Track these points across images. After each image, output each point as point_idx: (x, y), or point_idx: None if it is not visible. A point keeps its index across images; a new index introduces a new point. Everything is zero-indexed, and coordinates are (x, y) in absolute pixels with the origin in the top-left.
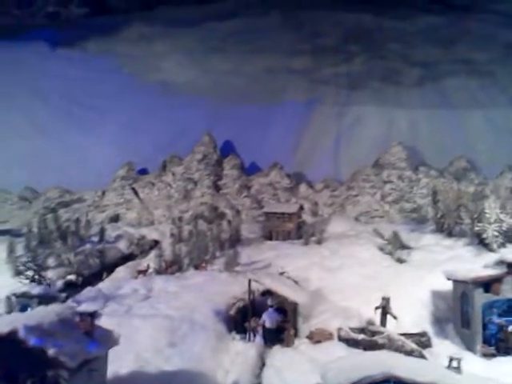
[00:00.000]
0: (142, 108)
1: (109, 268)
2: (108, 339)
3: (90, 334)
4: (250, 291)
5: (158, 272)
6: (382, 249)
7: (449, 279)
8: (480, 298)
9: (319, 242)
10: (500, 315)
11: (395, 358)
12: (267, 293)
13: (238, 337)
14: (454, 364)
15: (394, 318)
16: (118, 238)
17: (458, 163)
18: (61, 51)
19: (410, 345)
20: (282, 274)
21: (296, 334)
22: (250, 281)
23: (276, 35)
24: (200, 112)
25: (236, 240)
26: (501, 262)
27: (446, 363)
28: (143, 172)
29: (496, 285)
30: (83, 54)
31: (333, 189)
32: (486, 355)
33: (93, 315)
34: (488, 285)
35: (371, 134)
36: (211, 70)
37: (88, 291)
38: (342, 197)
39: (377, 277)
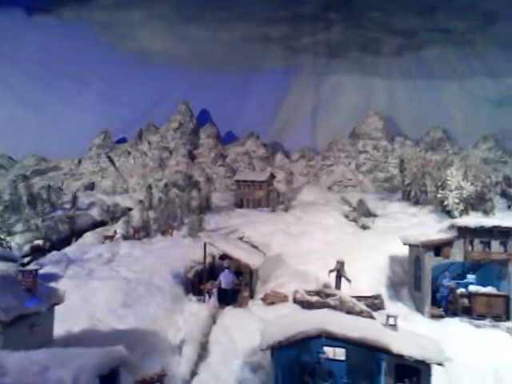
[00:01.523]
0: (118, 77)
1: (79, 234)
2: (51, 296)
3: (32, 291)
4: (206, 254)
5: (126, 238)
6: (347, 216)
7: (404, 244)
8: (430, 261)
9: (286, 210)
10: (454, 279)
11: (333, 315)
12: (225, 256)
13: (194, 298)
14: (391, 321)
15: (348, 280)
16: (91, 205)
17: (434, 133)
18: (36, 18)
19: (360, 306)
20: (241, 238)
21: (251, 296)
22: (205, 244)
23: (254, 2)
24: (177, 81)
25: (206, 207)
26: (452, 227)
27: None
28: (122, 141)
29: (446, 248)
30: (59, 21)
31: (309, 159)
32: (434, 316)
33: (34, 273)
34: (439, 248)
35: (349, 103)
36: (188, 39)
37: (52, 255)
38: (317, 166)
39: (338, 242)
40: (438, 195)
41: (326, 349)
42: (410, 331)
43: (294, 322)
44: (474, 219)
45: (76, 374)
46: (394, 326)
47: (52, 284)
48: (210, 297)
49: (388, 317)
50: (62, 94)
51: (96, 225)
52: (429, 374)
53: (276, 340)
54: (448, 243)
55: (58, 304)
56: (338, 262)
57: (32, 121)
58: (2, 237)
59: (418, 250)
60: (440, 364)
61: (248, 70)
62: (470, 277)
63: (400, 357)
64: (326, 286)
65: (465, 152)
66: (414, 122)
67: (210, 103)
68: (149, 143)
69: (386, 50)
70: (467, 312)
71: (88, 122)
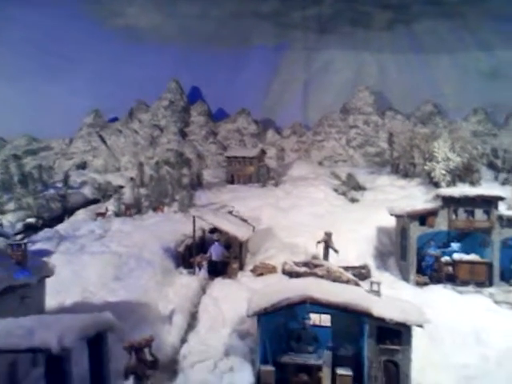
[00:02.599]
0: (108, 55)
1: (71, 212)
2: (41, 269)
3: (22, 264)
4: (196, 228)
5: (117, 214)
6: (336, 190)
7: (391, 214)
8: (415, 230)
9: (276, 185)
10: (439, 247)
11: (317, 283)
12: (215, 230)
13: (185, 271)
14: (375, 287)
15: (336, 251)
16: (83, 183)
17: (425, 107)
18: None
19: (347, 275)
20: (230, 212)
21: (241, 268)
22: (194, 218)
23: None
24: (166, 58)
25: (197, 184)
26: (437, 197)
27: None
28: (113, 120)
29: (431, 218)
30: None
31: (300, 134)
32: (419, 284)
33: (24, 246)
34: (424, 218)
35: (340, 78)
36: (177, 15)
37: (45, 232)
38: (308, 142)
39: (326, 215)
40: (426, 167)
41: (312, 316)
42: (393, 297)
43: (279, 289)
44: (458, 189)
45: (61, 335)
46: (377, 292)
47: (44, 259)
48: (200, 269)
49: (371, 283)
50: (51, 73)
51: (88, 203)
52: (409, 336)
53: (262, 307)
54: (433, 213)
55: (48, 277)
56: (326, 234)
57: (22, 101)
58: None
59: (404, 221)
60: (420, 326)
61: (238, 46)
62: (455, 245)
63: (381, 320)
64: (314, 257)
65: (454, 125)
66: (404, 97)
67: (200, 80)
68: (140, 121)
69: (377, 25)
70: (451, 279)
71: (78, 101)
